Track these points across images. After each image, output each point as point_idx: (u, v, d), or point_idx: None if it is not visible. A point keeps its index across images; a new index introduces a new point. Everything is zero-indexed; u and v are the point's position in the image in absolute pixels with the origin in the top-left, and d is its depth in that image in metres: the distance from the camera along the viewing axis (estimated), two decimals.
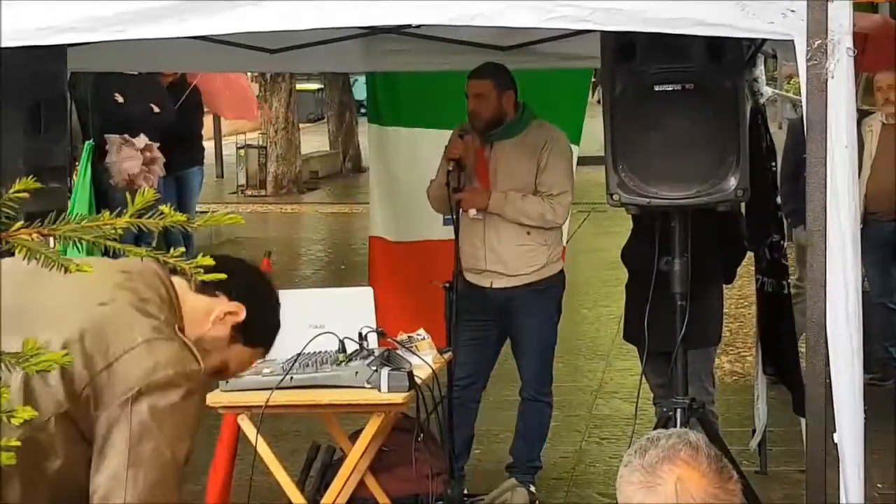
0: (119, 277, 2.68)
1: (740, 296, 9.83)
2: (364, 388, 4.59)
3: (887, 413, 6.51)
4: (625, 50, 4.23)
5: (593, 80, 8.21)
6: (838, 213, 3.28)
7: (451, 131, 5.81)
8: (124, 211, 1.74)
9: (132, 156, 8.53)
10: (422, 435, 5.02)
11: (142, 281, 2.70)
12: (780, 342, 5.50)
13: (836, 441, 3.32)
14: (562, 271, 5.89)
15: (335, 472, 5.10)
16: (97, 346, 2.56)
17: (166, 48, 4.88)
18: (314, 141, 23.37)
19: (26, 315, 2.51)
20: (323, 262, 13.84)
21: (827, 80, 3.23)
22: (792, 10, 3.25)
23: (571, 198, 5.78)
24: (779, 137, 7.70)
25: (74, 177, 5.70)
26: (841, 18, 3.23)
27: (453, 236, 5.75)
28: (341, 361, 4.70)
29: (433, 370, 4.89)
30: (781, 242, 5.51)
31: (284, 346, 4.88)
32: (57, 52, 4.32)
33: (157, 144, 8.80)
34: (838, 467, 3.33)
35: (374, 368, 4.60)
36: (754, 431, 6.05)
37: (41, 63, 4.37)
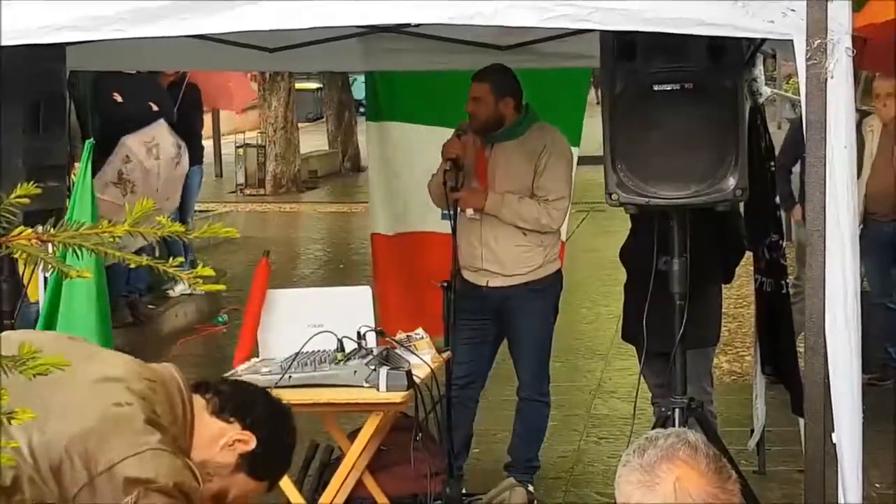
0: (141, 385, 2.69)
1: (739, 295, 9.84)
2: (362, 387, 4.59)
3: (886, 413, 6.51)
4: (624, 49, 4.22)
5: (592, 79, 8.20)
6: (837, 212, 3.28)
7: (448, 129, 5.82)
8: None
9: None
10: (420, 434, 5.02)
11: (163, 394, 2.71)
12: (779, 342, 5.50)
13: (834, 441, 3.32)
14: (559, 271, 5.89)
15: (333, 471, 5.10)
16: (101, 447, 2.56)
17: (165, 47, 4.88)
18: (313, 140, 23.37)
19: (44, 398, 2.45)
20: (322, 261, 13.85)
21: (826, 79, 3.23)
22: (792, 10, 3.25)
23: (569, 203, 5.78)
24: (778, 137, 7.70)
25: (73, 176, 5.69)
26: (840, 18, 3.23)
27: (451, 231, 5.76)
28: (340, 360, 4.70)
29: (432, 369, 4.89)
30: (780, 242, 5.51)
31: (283, 345, 4.92)
32: (56, 51, 4.32)
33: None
34: (837, 467, 3.33)
35: (373, 367, 4.60)
36: (753, 431, 6.05)
37: (40, 62, 4.37)
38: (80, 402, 2.61)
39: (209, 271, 1.84)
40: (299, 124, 20.27)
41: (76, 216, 4.52)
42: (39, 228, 1.75)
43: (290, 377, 4.63)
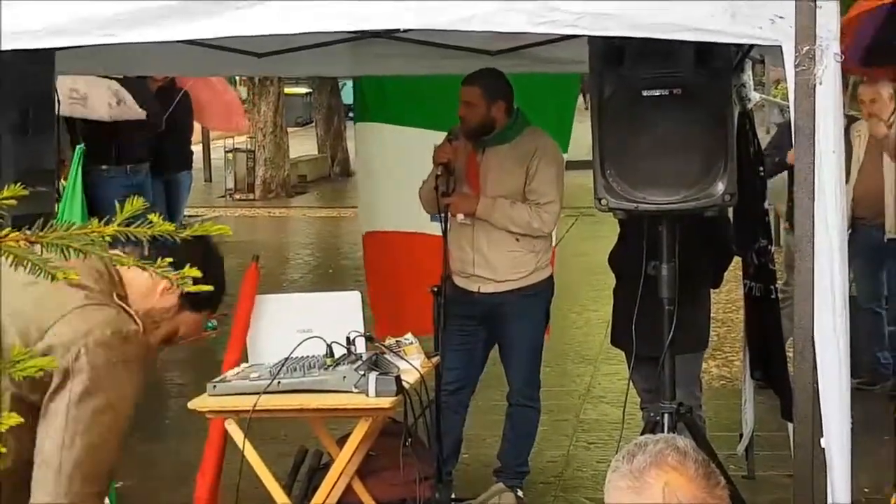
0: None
1: (728, 300, 9.85)
2: (352, 392, 4.58)
3: (875, 418, 6.52)
4: (613, 55, 4.23)
5: (582, 85, 8.22)
6: (826, 218, 3.29)
7: (436, 132, 5.83)
8: (113, 219, 1.74)
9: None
10: (410, 439, 5.01)
11: (81, 264, 2.73)
12: (768, 347, 5.51)
13: (823, 446, 3.33)
14: (550, 277, 5.88)
15: (322, 476, 5.10)
16: (30, 321, 2.59)
17: (154, 52, 4.88)
18: (302, 145, 23.37)
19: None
20: (311, 266, 13.84)
21: (815, 85, 3.23)
22: (780, 16, 3.26)
23: (560, 206, 5.78)
24: (766, 142, 7.73)
25: (63, 180, 5.68)
26: (829, 24, 3.23)
27: (441, 233, 5.76)
28: (329, 366, 4.69)
29: (421, 374, 4.89)
30: (769, 247, 5.52)
31: (272, 350, 4.91)
32: (45, 55, 4.31)
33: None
34: (825, 472, 3.34)
35: (362, 373, 4.60)
36: (742, 436, 6.06)
37: (29, 66, 4.36)
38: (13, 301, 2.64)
39: (196, 272, 1.83)
40: (289, 129, 20.28)
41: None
42: (27, 230, 1.75)
43: (279, 382, 4.62)
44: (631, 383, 5.37)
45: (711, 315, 5.88)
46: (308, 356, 4.77)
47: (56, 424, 2.56)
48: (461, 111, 5.67)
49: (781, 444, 5.73)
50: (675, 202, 4.28)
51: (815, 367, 3.31)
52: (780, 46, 3.29)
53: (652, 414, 4.82)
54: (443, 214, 5.68)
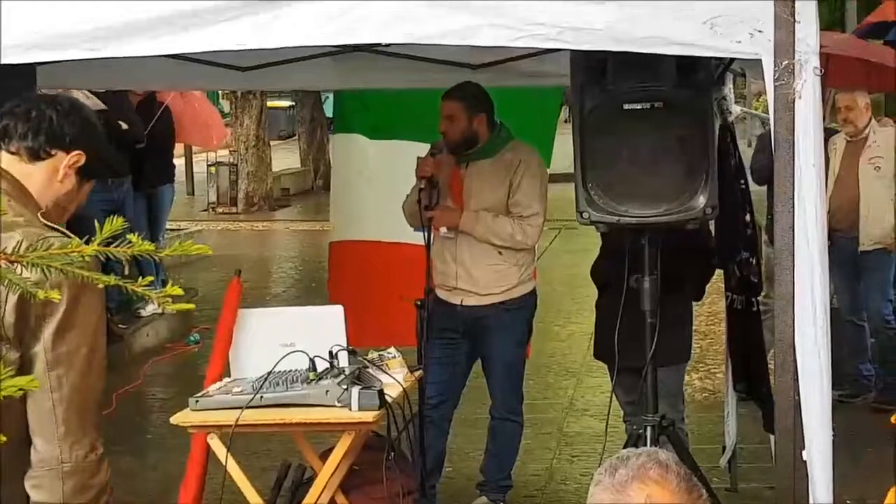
0: None
1: (710, 313, 9.87)
2: (334, 406, 4.58)
3: (856, 430, 6.55)
4: (595, 68, 4.24)
5: (564, 98, 8.25)
6: (806, 230, 3.30)
7: (417, 143, 5.84)
8: (93, 238, 1.74)
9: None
10: (393, 453, 5.01)
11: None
12: (750, 359, 5.52)
13: (804, 458, 3.34)
14: (534, 291, 5.89)
15: (305, 490, 5.08)
16: None
17: (136, 65, 4.86)
18: (285, 158, 23.36)
19: None
20: (294, 279, 13.82)
21: (795, 99, 3.25)
22: (759, 31, 3.28)
23: (543, 219, 5.79)
24: (748, 155, 7.78)
25: None
26: (808, 39, 3.25)
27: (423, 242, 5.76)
28: (312, 380, 4.68)
29: (404, 388, 4.89)
30: (751, 260, 5.54)
31: (255, 365, 4.90)
32: (25, 69, 4.29)
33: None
34: (807, 483, 3.35)
35: (345, 387, 4.59)
36: (724, 448, 6.07)
37: (8, 79, 4.34)
38: None
39: (178, 290, 1.83)
40: (271, 142, 20.26)
41: None
42: (7, 249, 1.74)
43: (261, 397, 4.61)
44: (614, 396, 5.38)
45: (694, 328, 5.89)
46: (291, 370, 4.76)
47: (38, 369, 2.62)
48: (442, 126, 5.68)
49: (764, 456, 5.75)
50: (657, 215, 4.29)
51: (796, 379, 3.33)
52: (760, 60, 3.31)
53: (635, 427, 4.83)
54: (426, 228, 5.69)
